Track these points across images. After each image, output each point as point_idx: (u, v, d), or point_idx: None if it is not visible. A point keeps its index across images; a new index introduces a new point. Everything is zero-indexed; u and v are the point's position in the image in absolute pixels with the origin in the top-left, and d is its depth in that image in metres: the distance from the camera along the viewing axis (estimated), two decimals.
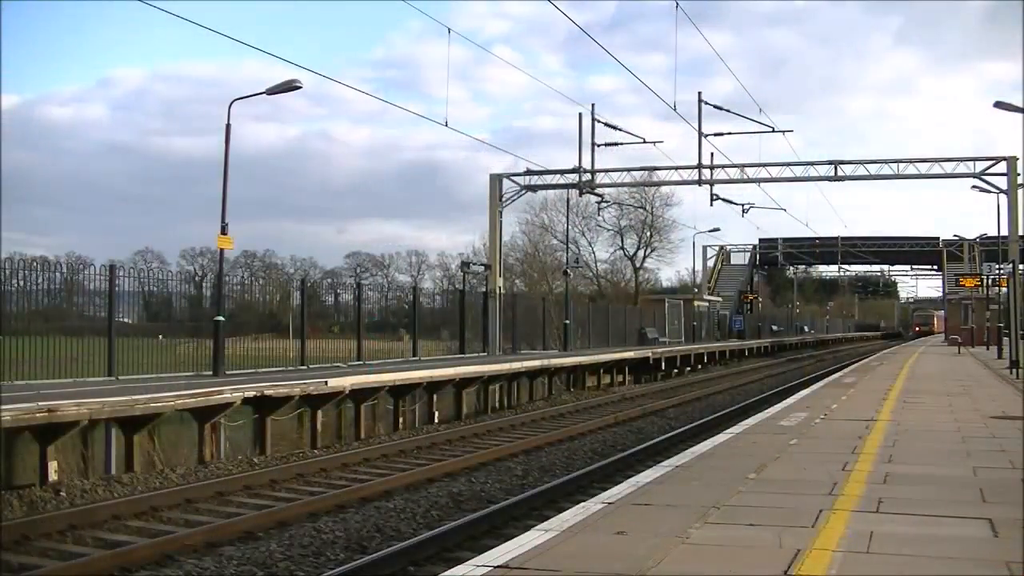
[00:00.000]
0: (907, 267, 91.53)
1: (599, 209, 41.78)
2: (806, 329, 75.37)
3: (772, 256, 79.68)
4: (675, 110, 29.14)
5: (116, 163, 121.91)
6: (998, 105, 23.03)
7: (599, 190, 35.66)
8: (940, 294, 79.83)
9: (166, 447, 13.54)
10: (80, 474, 11.82)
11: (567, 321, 32.70)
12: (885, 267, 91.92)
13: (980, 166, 32.32)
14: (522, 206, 54.92)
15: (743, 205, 41.13)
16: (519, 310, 32.79)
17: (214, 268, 23.86)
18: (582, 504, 6.64)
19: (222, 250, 18.21)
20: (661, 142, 44.20)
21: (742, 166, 34.16)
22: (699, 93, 32.52)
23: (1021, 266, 31.30)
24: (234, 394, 13.48)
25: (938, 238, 74.12)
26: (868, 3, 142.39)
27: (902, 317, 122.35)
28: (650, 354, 32.85)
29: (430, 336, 28.20)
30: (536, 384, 25.15)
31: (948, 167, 32.77)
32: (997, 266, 38.76)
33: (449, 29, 24.01)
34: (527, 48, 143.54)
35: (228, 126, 17.40)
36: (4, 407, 10.10)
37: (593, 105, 32.94)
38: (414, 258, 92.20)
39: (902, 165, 33.37)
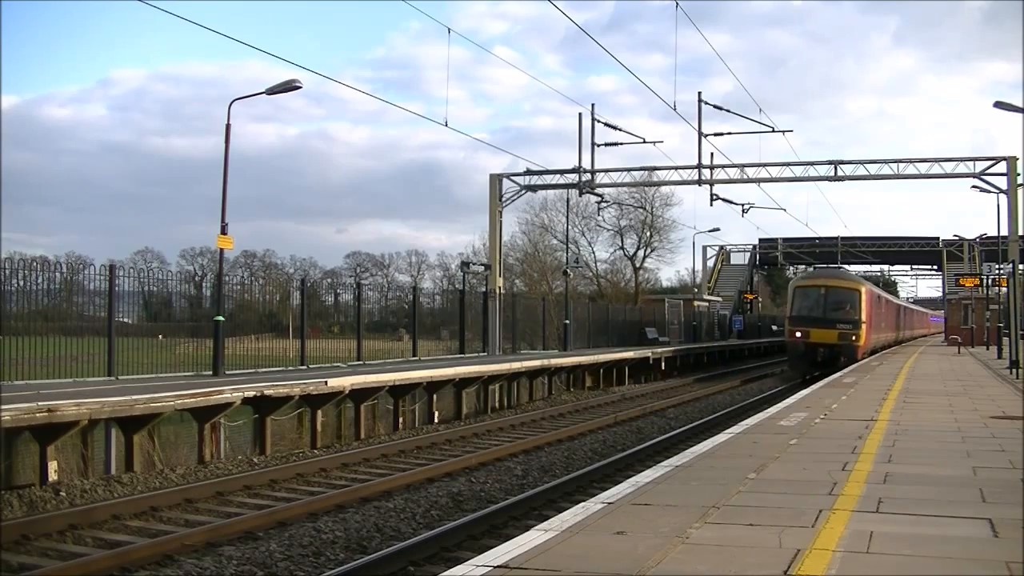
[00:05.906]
0: (907, 267, 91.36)
1: (599, 209, 41.86)
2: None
3: (772, 256, 79.53)
4: (675, 110, 29.18)
5: (116, 163, 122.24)
6: (998, 105, 23.02)
7: (599, 190, 35.69)
8: (940, 294, 79.79)
9: (166, 447, 13.55)
10: (80, 474, 11.83)
11: (567, 321, 32.70)
12: (885, 267, 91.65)
13: (980, 166, 32.37)
14: (522, 206, 55.10)
15: (743, 205, 41.20)
16: (519, 310, 32.80)
17: (214, 268, 23.90)
18: (582, 504, 6.63)
19: (222, 250, 18.22)
20: (661, 142, 44.33)
21: (742, 166, 34.21)
22: (699, 93, 32.59)
23: (1021, 266, 31.30)
24: (234, 394, 13.48)
25: (938, 238, 73.95)
26: (867, 3, 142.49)
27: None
28: (650, 354, 32.86)
29: (430, 336, 28.23)
30: (536, 384, 25.16)
31: (948, 167, 32.81)
32: (997, 266, 38.71)
33: (449, 29, 24.13)
34: (526, 48, 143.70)
35: (228, 126, 17.44)
36: (4, 407, 10.10)
37: (593, 105, 33.02)
38: (414, 258, 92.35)
39: (902, 165, 33.42)
